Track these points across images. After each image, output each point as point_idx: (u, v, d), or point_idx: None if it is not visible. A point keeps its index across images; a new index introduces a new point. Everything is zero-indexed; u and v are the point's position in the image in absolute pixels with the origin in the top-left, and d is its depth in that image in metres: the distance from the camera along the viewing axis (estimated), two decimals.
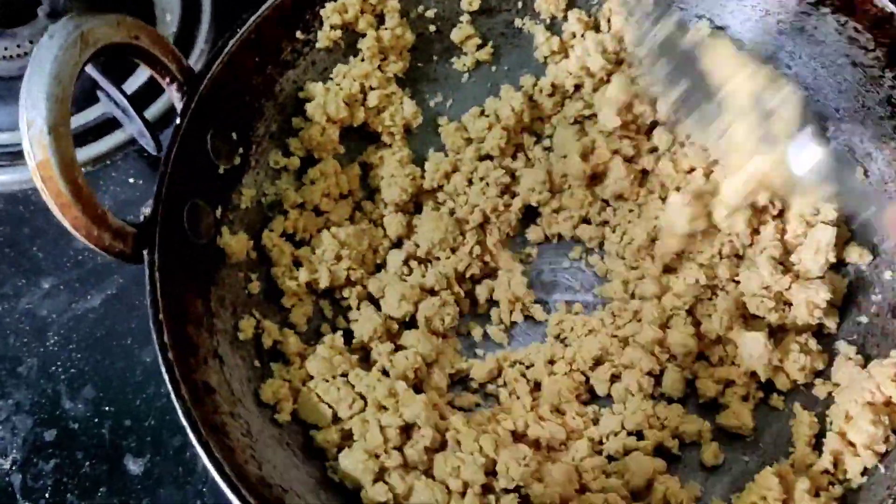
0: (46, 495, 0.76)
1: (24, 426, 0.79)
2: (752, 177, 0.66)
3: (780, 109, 0.63)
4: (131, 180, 0.90)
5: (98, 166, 0.91)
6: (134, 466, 0.76)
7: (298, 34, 0.75)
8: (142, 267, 0.81)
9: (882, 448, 0.63)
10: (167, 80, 0.67)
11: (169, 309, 0.61)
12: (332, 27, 0.76)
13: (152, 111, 0.91)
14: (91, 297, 0.84)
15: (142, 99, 0.88)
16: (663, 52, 0.64)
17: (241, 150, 0.72)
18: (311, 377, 0.70)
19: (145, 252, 0.62)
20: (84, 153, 0.91)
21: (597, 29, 0.80)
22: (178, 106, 0.67)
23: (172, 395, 0.59)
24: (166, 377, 0.59)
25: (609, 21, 0.79)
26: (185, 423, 0.57)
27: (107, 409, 0.79)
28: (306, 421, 0.68)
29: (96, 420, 0.78)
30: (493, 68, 0.83)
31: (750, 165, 0.65)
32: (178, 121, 0.66)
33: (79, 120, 0.92)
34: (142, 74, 0.90)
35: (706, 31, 0.76)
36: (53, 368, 0.81)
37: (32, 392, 0.80)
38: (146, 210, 0.63)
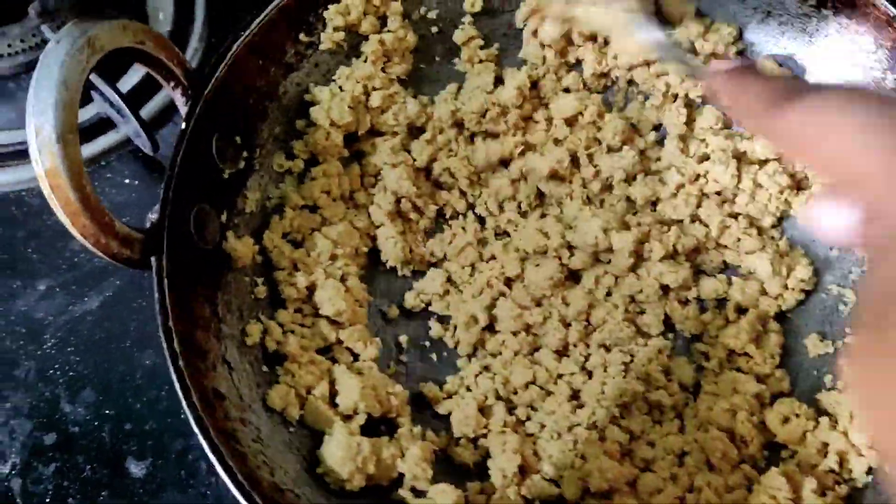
0: (47, 500, 0.75)
1: (23, 430, 0.78)
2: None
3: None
4: (127, 181, 0.89)
5: (92, 167, 0.90)
6: (136, 470, 0.76)
7: (302, 36, 0.75)
8: (139, 270, 0.83)
9: None
10: (171, 84, 0.67)
11: (178, 315, 0.61)
12: (335, 29, 0.76)
13: (148, 110, 0.90)
14: (88, 300, 0.84)
15: (137, 98, 0.87)
16: None
17: (245, 154, 0.72)
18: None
19: (153, 258, 0.62)
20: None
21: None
22: (183, 110, 0.67)
23: (183, 403, 0.58)
24: (177, 384, 0.59)
25: None
26: (196, 429, 0.57)
27: (107, 412, 0.78)
28: (313, 427, 0.68)
29: (96, 423, 0.78)
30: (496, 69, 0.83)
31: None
32: (183, 125, 0.66)
33: None
34: (136, 73, 0.89)
35: None
36: (51, 371, 0.81)
37: (31, 395, 0.79)
38: (153, 216, 0.63)
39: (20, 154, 0.90)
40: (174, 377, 0.59)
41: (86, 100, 0.88)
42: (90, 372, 0.80)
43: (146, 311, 0.82)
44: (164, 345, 0.59)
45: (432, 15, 0.80)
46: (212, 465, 0.71)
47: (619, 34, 0.63)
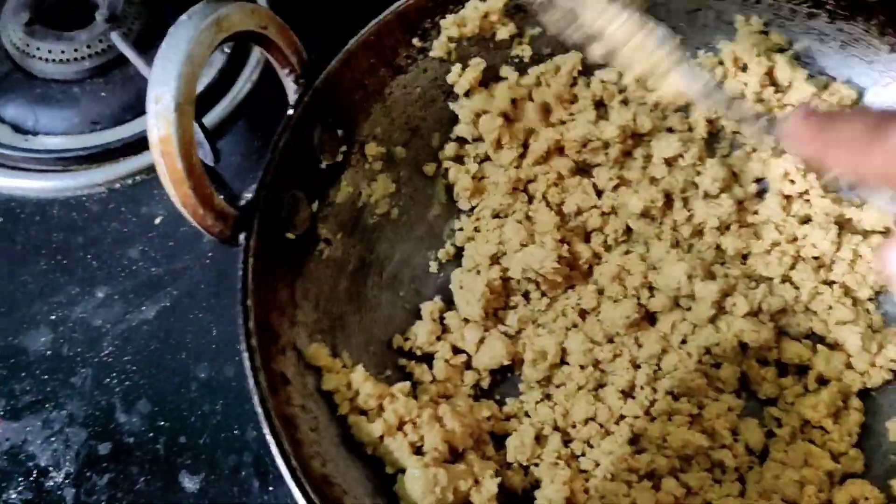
0: None
1: (79, 439, 0.77)
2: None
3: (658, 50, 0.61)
4: None
5: (153, 174, 0.88)
6: (189, 484, 0.74)
7: (415, 41, 0.76)
8: (196, 281, 0.82)
9: None
10: (286, 70, 0.68)
11: (257, 295, 0.61)
12: (449, 39, 0.76)
13: (210, 119, 0.91)
14: (146, 309, 0.83)
15: (199, 106, 0.86)
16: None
17: (344, 148, 0.73)
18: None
19: (242, 236, 0.63)
20: (140, 161, 0.91)
21: None
22: (292, 97, 0.68)
23: (250, 381, 0.58)
24: (247, 363, 0.59)
25: None
26: (259, 410, 0.58)
27: (162, 423, 0.77)
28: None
29: (151, 435, 0.76)
30: None
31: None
32: (290, 111, 0.67)
33: (135, 128, 0.92)
34: (199, 81, 0.88)
35: None
36: (108, 380, 0.79)
37: (86, 404, 0.78)
38: (248, 195, 0.64)
39: (83, 159, 0.91)
40: (245, 356, 0.59)
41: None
42: (146, 382, 0.79)
43: (202, 323, 0.82)
44: (240, 321, 0.60)
45: (543, 37, 0.79)
46: (263, 482, 0.73)
47: (660, 76, 0.61)
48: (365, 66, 0.72)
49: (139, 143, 0.90)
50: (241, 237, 0.63)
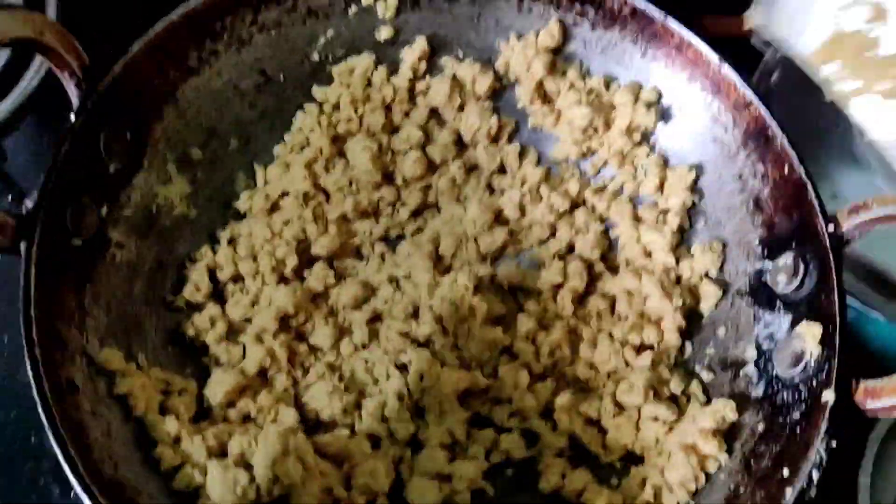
0: None
1: None
2: None
3: None
4: None
5: None
6: None
7: (207, 42, 0.75)
8: (8, 255, 0.78)
9: (693, 487, 0.69)
10: (66, 74, 0.67)
11: (41, 303, 0.61)
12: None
13: None
14: None
15: None
16: None
17: (134, 151, 0.73)
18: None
19: (22, 245, 0.62)
20: None
21: None
22: (75, 102, 0.67)
23: (34, 390, 0.58)
24: (30, 372, 0.59)
25: None
26: (43, 418, 0.58)
27: None
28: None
29: None
30: None
31: None
32: (73, 117, 0.66)
33: None
34: None
35: None
36: None
37: None
38: (28, 203, 0.63)
39: None
40: (28, 365, 0.59)
41: None
42: None
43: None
44: (23, 331, 0.60)
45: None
46: (65, 489, 0.73)
47: None
48: (153, 68, 0.72)
49: None
50: (22, 246, 0.61)
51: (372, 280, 0.78)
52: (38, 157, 0.87)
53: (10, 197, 0.60)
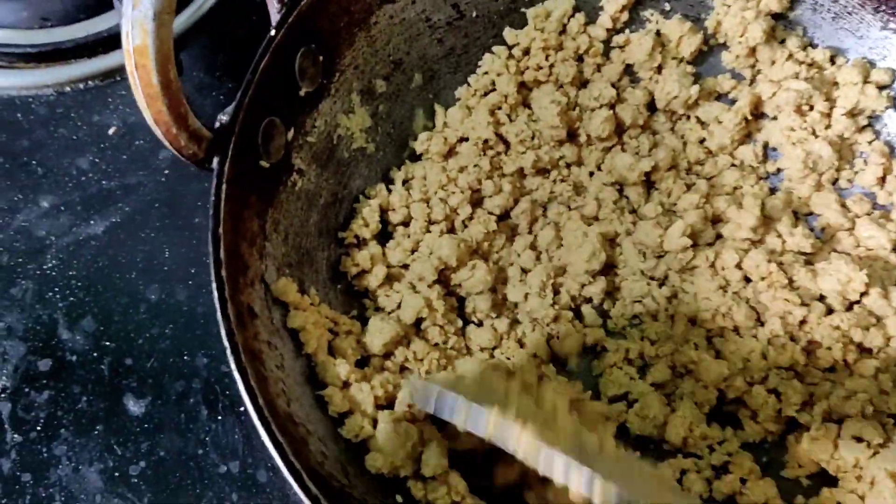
0: (38, 427, 0.70)
1: (17, 352, 0.73)
2: None
3: None
4: None
5: (107, 81, 0.85)
6: (134, 407, 0.71)
7: None
8: (150, 199, 0.78)
9: None
10: None
11: (228, 223, 0.59)
12: None
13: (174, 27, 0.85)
14: (94, 223, 0.78)
15: None
16: None
17: (324, 76, 0.70)
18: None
19: (215, 160, 0.60)
20: (94, 65, 0.85)
21: None
22: (275, 18, 0.64)
23: (218, 314, 0.56)
24: (215, 294, 0.56)
25: None
26: (226, 344, 0.55)
27: (107, 343, 0.73)
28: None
29: (95, 355, 0.73)
30: None
31: None
32: (273, 32, 0.63)
33: (89, 28, 0.86)
34: None
35: None
36: (50, 294, 0.75)
37: (26, 317, 0.74)
38: (223, 117, 0.61)
39: (31, 57, 0.85)
40: (214, 286, 0.56)
41: (105, 6, 0.85)
42: (91, 300, 0.75)
43: (154, 243, 0.78)
44: (211, 250, 0.57)
45: None
46: (212, 410, 0.71)
47: None
48: None
49: (93, 46, 0.84)
50: (215, 161, 0.59)
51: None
52: (212, 75, 0.85)
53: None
